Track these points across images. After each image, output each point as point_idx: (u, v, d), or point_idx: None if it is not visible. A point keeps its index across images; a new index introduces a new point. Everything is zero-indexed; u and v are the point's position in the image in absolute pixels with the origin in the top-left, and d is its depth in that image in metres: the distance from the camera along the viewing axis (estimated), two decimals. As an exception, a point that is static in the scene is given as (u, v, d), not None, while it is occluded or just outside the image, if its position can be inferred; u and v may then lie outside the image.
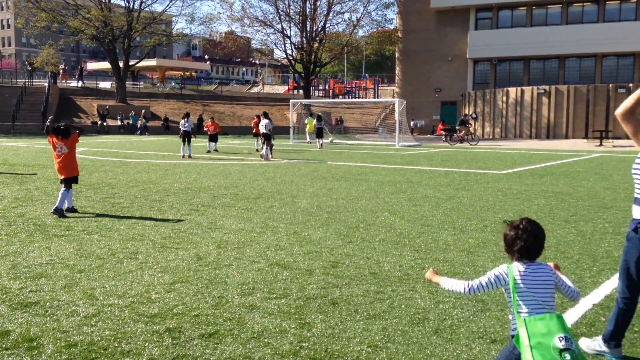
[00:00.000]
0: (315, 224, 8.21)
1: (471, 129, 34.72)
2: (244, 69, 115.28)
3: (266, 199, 10.52)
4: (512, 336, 2.94)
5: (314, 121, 30.77)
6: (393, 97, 51.89)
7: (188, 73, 76.88)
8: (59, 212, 8.67)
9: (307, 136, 33.71)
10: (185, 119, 21.67)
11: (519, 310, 2.86)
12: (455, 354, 3.80)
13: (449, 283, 3.18)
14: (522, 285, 2.88)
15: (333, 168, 17.01)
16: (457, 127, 34.98)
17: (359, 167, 17.29)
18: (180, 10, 51.96)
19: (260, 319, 4.39)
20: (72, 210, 9.04)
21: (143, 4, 48.07)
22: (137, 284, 5.28)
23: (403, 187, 12.46)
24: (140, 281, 5.36)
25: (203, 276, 5.52)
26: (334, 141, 34.59)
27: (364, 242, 7.02)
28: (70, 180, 9.04)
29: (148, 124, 44.41)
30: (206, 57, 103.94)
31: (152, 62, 64.94)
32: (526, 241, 2.90)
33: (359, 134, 45.47)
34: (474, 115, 44.05)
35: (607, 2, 43.78)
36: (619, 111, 3.53)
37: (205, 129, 25.08)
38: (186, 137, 21.00)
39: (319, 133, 28.84)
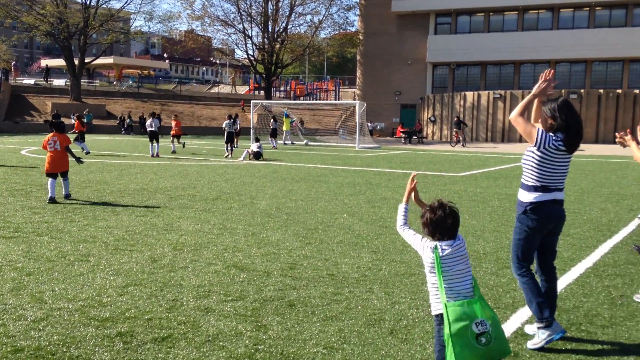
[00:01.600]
0: (274, 225, 8.17)
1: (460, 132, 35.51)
2: (204, 68, 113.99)
3: (225, 200, 10.41)
4: (436, 316, 3.17)
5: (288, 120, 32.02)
6: (354, 99, 52.18)
7: (146, 71, 75.47)
8: (68, 196, 10.22)
9: (286, 136, 33.98)
10: (152, 119, 21.65)
11: (445, 290, 3.07)
12: (409, 354, 3.83)
13: (400, 211, 3.54)
14: (447, 264, 3.11)
15: (293, 169, 16.98)
16: (454, 130, 35.83)
17: (318, 169, 17.31)
18: (139, 8, 51.20)
19: (215, 322, 4.33)
20: (68, 196, 10.26)
21: (100, 0, 47.02)
22: (88, 287, 5.14)
23: (362, 188, 12.53)
24: (92, 284, 5.22)
25: (157, 279, 5.42)
26: (309, 143, 34.60)
27: (322, 244, 7.02)
28: (63, 172, 10.24)
29: (95, 123, 43.41)
30: (165, 55, 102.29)
31: (108, 60, 63.53)
32: (446, 221, 3.15)
33: (319, 136, 45.55)
34: (432, 119, 44.70)
35: (562, 10, 45.08)
36: (512, 116, 4.04)
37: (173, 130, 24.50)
38: (153, 136, 21.01)
39: (273, 133, 29.14)
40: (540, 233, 4.03)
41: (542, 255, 4.18)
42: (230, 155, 21.85)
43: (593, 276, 5.75)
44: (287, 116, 34.55)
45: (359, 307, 4.71)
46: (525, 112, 4.05)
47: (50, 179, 9.95)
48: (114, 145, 28.04)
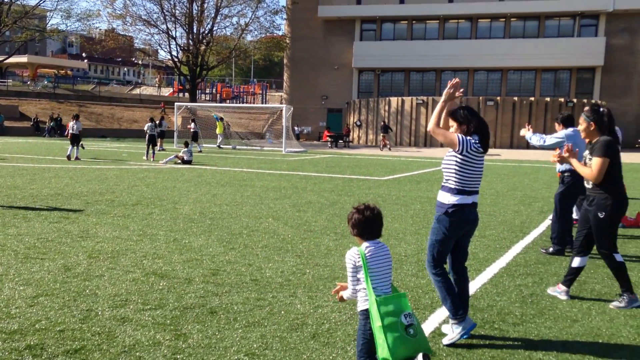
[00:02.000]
0: (197, 230, 8.01)
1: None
2: (125, 69, 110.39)
3: (145, 206, 10.11)
4: (362, 312, 3.29)
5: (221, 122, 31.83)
6: (281, 103, 52.21)
7: (63, 71, 72.22)
8: None
9: (221, 139, 33.49)
10: (75, 121, 20.87)
11: (373, 287, 3.21)
12: (331, 357, 3.85)
13: (347, 294, 3.43)
14: (372, 262, 3.27)
15: (218, 173, 16.75)
16: (381, 134, 36.82)
17: (244, 173, 17.16)
18: (56, 5, 48.95)
19: (132, 332, 4.18)
20: None
21: (13, -5, 44.64)
22: (-6, 298, 4.84)
23: (288, 192, 12.53)
24: (-1, 295, 4.92)
25: (71, 288, 5.17)
26: (237, 147, 34.18)
27: (246, 249, 6.95)
28: None
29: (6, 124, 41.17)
30: (84, 55, 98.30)
31: (22, 59, 60.42)
32: (374, 221, 3.32)
33: (246, 139, 45.22)
34: (358, 123, 45.40)
35: (479, 20, 47.08)
36: (430, 128, 4.22)
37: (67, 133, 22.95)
38: (75, 140, 20.42)
39: (194, 136, 28.77)
40: (457, 235, 4.18)
41: (455, 256, 4.34)
42: (152, 159, 21.46)
43: (506, 276, 6.01)
44: (218, 119, 34.08)
45: (282, 312, 4.69)
46: (440, 121, 4.26)
47: None
48: (27, 149, 26.65)
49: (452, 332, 4.14)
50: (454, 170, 4.10)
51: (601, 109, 5.14)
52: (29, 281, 5.35)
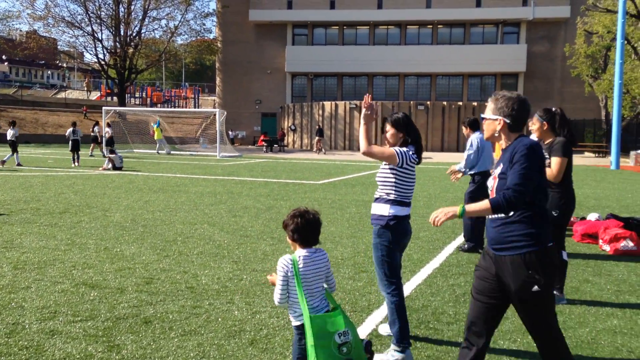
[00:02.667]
0: (129, 238, 7.79)
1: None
2: (49, 72, 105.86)
3: (74, 214, 9.73)
4: (296, 327, 3.17)
5: (156, 127, 31.07)
6: (214, 107, 51.54)
7: (-19, 74, 68.59)
8: None
9: (159, 144, 32.51)
10: (12, 128, 20.79)
11: (307, 301, 3.08)
12: (270, 363, 3.83)
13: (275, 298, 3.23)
14: (305, 271, 3.13)
15: (150, 179, 16.34)
16: (317, 138, 37.86)
17: (178, 178, 16.82)
18: (-28, 4, 46.14)
19: (62, 345, 4.02)
20: None
21: None
22: None
23: (223, 198, 12.38)
24: None
25: (-6, 302, 4.91)
26: (171, 152, 33.34)
27: (181, 256, 6.81)
28: None
29: None
30: (4, 57, 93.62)
31: None
32: (315, 226, 3.20)
33: (179, 144, 44.35)
34: (292, 127, 45.49)
35: (408, 27, 48.26)
36: (363, 150, 4.04)
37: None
38: (14, 146, 20.37)
39: (109, 142, 27.20)
40: (399, 246, 4.07)
41: None
42: (77, 164, 20.87)
43: (439, 276, 6.18)
44: (158, 125, 33.20)
45: (219, 319, 4.63)
46: (371, 141, 4.11)
47: None
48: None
49: (391, 356, 3.94)
50: (392, 183, 4.01)
51: (553, 109, 5.34)
52: (-54, 296, 5.04)
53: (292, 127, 45.69)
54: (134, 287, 5.48)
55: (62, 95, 64.33)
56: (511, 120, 3.05)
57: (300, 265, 3.12)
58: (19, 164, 20.24)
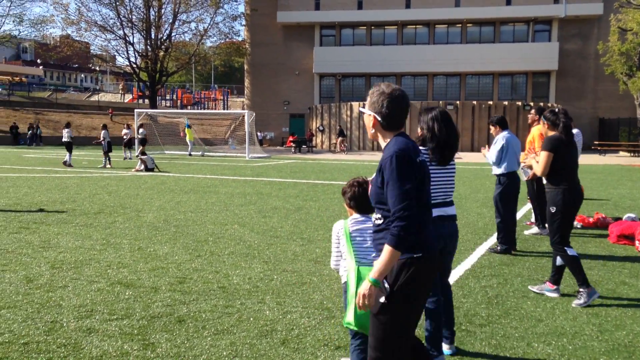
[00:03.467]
0: (162, 238, 7.91)
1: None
2: (82, 75, 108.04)
3: (108, 214, 9.93)
4: (345, 284, 3.46)
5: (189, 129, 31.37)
6: (243, 108, 51.93)
7: (17, 78, 70.29)
8: None
9: (191, 146, 32.86)
10: (66, 129, 21.81)
11: (355, 256, 3.33)
12: (302, 363, 3.86)
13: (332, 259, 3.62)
14: (354, 231, 3.44)
15: (181, 180, 16.56)
16: (339, 138, 38.95)
17: (208, 179, 17.01)
18: (8, 11, 47.20)
19: (99, 343, 4.11)
20: None
21: (-37, 0, 43.24)
22: (-48, 313, 4.68)
23: (253, 198, 12.48)
24: (-43, 310, 4.76)
25: (34, 300, 5.05)
26: (204, 154, 33.73)
27: (212, 256, 6.89)
28: None
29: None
30: (39, 61, 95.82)
31: (-26, 65, 58.47)
32: (366, 196, 3.41)
33: (208, 146, 44.83)
34: (320, 128, 45.56)
35: (437, 26, 47.89)
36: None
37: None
38: (69, 147, 21.46)
39: (128, 143, 27.17)
40: None
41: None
42: (110, 166, 21.27)
43: (471, 277, 6.13)
44: (189, 127, 33.60)
45: (251, 319, 4.68)
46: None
47: None
48: (-19, 157, 25.79)
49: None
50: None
51: (556, 109, 5.43)
52: (-12, 294, 5.19)
53: (320, 128, 45.75)
54: (168, 286, 5.57)
55: (95, 98, 65.58)
56: (382, 118, 2.79)
57: (350, 226, 3.46)
58: (69, 165, 21.05)
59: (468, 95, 47.64)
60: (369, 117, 2.85)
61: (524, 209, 11.21)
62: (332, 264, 3.58)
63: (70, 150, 21.45)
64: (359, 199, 3.50)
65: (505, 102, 42.21)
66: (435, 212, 3.81)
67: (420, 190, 2.71)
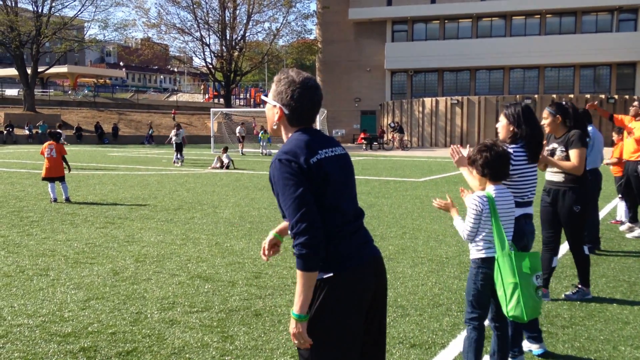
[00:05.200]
0: (238, 234, 8.12)
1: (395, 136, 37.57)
2: (161, 76, 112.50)
3: (187, 210, 10.29)
4: (476, 260, 3.23)
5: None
6: (314, 106, 52.24)
7: (102, 80, 74.12)
8: (68, 199, 11.22)
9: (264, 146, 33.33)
10: (177, 130, 22.97)
11: (501, 233, 3.12)
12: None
13: (457, 223, 3.37)
14: (500, 207, 3.19)
15: (255, 177, 16.91)
16: (399, 135, 39.50)
17: (280, 176, 17.24)
18: (93, 16, 49.68)
19: (181, 334, 4.28)
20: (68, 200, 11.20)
21: (53, 8, 45.91)
22: (48, 302, 5.01)
23: (325, 195, 12.55)
24: (52, 299, 5.08)
25: (120, 292, 5.32)
26: (271, 152, 34.24)
27: (286, 252, 7.00)
28: (59, 178, 11.35)
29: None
30: (121, 64, 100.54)
31: (62, 69, 62.08)
32: (506, 159, 3.23)
33: (281, 143, 45.51)
34: (392, 125, 45.24)
35: (514, 18, 46.35)
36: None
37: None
38: (178, 147, 22.33)
39: (179, 146, 23.68)
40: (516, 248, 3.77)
41: None
42: (180, 164, 21.81)
43: (553, 278, 5.89)
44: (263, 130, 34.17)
45: (326, 314, 4.72)
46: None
47: (50, 183, 11.26)
48: (69, 157, 27.35)
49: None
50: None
51: (565, 104, 5.13)
52: (79, 285, 5.52)
53: (392, 125, 45.41)
54: (244, 280, 5.72)
55: (173, 98, 68.10)
56: (290, 111, 2.33)
57: (498, 201, 3.18)
58: (175, 162, 22.15)
59: (547, 88, 45.84)
60: (274, 108, 2.37)
61: (609, 207, 10.68)
62: (466, 236, 3.26)
63: (180, 150, 22.27)
64: (493, 163, 3.17)
65: (587, 95, 40.34)
66: (524, 210, 3.74)
67: (322, 194, 2.21)
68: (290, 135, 2.37)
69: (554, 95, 40.38)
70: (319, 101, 2.38)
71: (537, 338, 3.97)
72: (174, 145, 22.62)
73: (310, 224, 2.12)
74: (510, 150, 3.67)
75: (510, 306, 3.07)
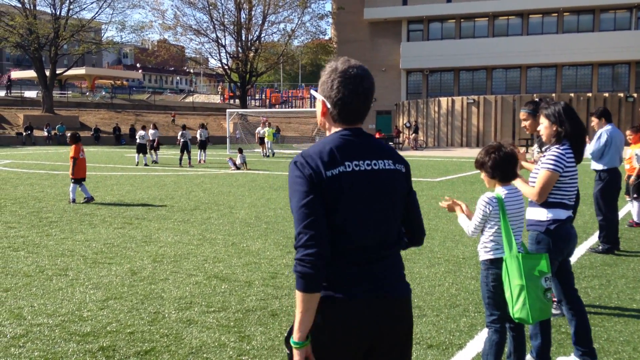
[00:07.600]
0: (254, 234, 8.15)
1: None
2: (178, 77, 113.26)
3: (203, 211, 10.35)
4: (486, 261, 3.22)
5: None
6: (329, 106, 52.27)
7: (119, 82, 74.79)
8: (89, 199, 11.39)
9: (269, 146, 32.94)
10: (201, 129, 24.68)
11: (509, 234, 3.12)
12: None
13: (463, 221, 3.38)
14: (510, 208, 3.18)
15: (271, 178, 16.95)
16: (413, 134, 40.06)
17: (296, 177, 17.27)
18: (110, 18, 50.19)
19: (198, 334, 4.30)
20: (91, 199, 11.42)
21: (71, 11, 46.47)
22: (67, 301, 5.07)
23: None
24: (71, 299, 5.14)
25: (138, 292, 5.36)
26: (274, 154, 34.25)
27: (302, 252, 7.01)
28: (84, 178, 11.70)
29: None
30: (138, 65, 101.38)
31: (80, 71, 62.76)
32: (513, 160, 3.20)
33: (296, 143, 45.58)
34: (408, 125, 45.09)
35: (531, 16, 45.94)
36: (533, 198, 3.64)
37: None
38: (202, 146, 23.95)
39: (184, 147, 22.82)
40: (562, 255, 3.70)
41: (563, 280, 3.82)
42: (189, 166, 21.74)
43: (570, 277, 5.84)
44: (269, 125, 34.17)
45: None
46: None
47: (73, 184, 11.42)
48: (87, 157, 27.63)
49: None
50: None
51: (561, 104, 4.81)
52: (98, 285, 5.58)
53: (408, 125, 45.26)
54: (261, 281, 5.74)
55: (189, 99, 68.53)
56: (331, 104, 2.03)
57: (507, 202, 3.18)
58: (200, 161, 23.58)
59: (564, 87, 45.35)
60: (319, 102, 2.10)
61: (626, 208, 10.55)
62: (470, 232, 3.29)
63: (203, 148, 23.71)
64: (502, 164, 3.15)
65: (606, 94, 39.84)
66: (569, 213, 3.69)
67: (332, 211, 1.91)
68: (329, 134, 2.08)
69: (572, 94, 39.95)
70: (366, 94, 2.02)
71: (589, 355, 3.73)
72: (185, 145, 22.33)
73: (314, 237, 1.84)
74: (560, 151, 3.57)
75: (516, 308, 3.05)
